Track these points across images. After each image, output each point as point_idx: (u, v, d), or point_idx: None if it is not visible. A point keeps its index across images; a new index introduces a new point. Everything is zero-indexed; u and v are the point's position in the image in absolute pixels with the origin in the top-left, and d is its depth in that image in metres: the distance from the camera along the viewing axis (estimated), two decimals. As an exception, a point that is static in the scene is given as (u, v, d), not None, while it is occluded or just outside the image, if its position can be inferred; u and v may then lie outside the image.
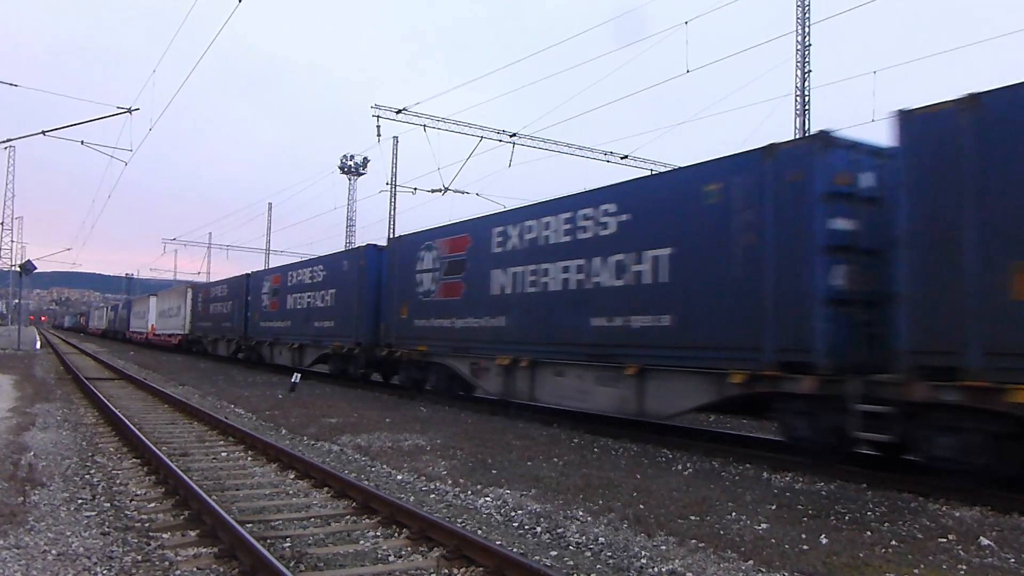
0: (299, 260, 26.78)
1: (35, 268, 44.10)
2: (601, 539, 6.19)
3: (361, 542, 6.06)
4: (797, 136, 23.15)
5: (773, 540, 6.18)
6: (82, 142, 22.62)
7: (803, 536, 6.32)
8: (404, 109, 26.69)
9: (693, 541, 6.13)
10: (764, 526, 6.63)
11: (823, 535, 6.34)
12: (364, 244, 20.09)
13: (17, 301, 62.40)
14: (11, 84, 23.90)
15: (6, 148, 56.99)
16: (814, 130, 9.96)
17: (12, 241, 66.10)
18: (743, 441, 11.61)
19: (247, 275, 30.65)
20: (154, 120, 21.11)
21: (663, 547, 6.01)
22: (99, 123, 21.65)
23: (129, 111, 19.95)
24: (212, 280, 48.21)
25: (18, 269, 47.56)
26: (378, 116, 26.57)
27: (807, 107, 26.48)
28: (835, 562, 5.69)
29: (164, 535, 6.07)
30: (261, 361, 28.67)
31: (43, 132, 21.58)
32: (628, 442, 11.45)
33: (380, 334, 19.09)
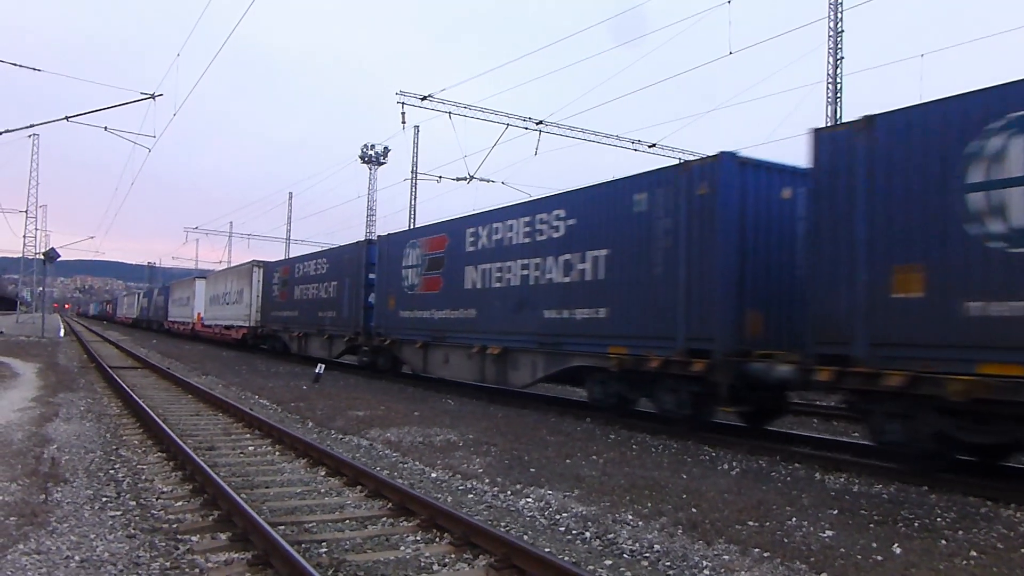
0: (475, 212, 16.52)
1: (59, 256, 44.28)
2: (656, 547, 5.77)
3: (401, 548, 5.69)
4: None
5: (842, 549, 5.74)
6: (106, 128, 22.45)
7: (873, 545, 5.87)
8: (429, 96, 26.30)
9: (756, 550, 5.69)
10: (829, 533, 6.18)
11: (895, 544, 5.89)
12: (711, 155, 10.89)
13: (41, 289, 62.95)
14: (35, 69, 23.75)
15: (30, 136, 57.40)
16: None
17: (36, 229, 66.66)
18: (786, 438, 11.14)
19: (367, 241, 22.22)
20: (178, 106, 20.81)
21: (725, 556, 5.58)
22: (122, 110, 21.46)
23: (152, 97, 19.71)
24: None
25: (42, 257, 47.84)
26: (403, 103, 26.18)
27: (839, 95, 25.83)
28: (914, 575, 5.25)
29: (193, 538, 5.73)
30: (395, 368, 20.51)
31: (67, 118, 21.41)
32: (667, 439, 11.01)
33: (748, 331, 10.61)
